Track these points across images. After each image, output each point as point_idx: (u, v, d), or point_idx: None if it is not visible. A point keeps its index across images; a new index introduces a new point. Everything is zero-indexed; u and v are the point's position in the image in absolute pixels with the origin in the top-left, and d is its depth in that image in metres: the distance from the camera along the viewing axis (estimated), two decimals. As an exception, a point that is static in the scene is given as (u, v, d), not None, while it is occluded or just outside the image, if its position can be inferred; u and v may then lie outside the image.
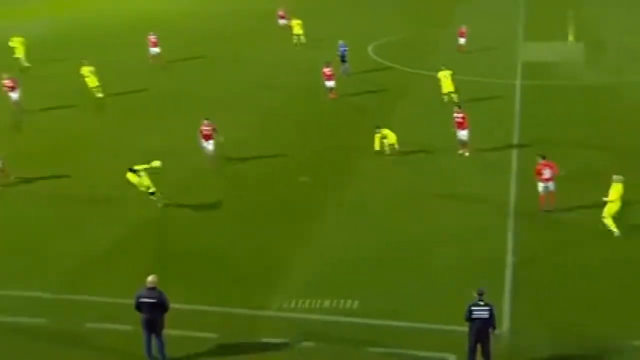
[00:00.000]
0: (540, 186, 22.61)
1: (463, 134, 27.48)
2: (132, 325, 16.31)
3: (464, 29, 47.02)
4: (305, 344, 16.34)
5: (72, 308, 18.04)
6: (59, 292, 18.74)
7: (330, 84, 36.05)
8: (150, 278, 15.67)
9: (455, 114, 27.63)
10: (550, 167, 22.44)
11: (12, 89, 35.25)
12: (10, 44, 45.35)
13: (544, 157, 22.69)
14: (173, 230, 22.45)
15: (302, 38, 50.61)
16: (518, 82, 38.97)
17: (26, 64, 44.70)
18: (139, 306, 15.65)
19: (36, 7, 71.22)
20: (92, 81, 36.94)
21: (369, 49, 48.57)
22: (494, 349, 15.20)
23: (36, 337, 16.83)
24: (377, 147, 27.68)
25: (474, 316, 14.97)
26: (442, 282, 18.74)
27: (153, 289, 15.56)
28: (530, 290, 18.42)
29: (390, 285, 18.78)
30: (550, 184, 22.50)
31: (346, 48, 41.44)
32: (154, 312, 15.56)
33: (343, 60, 41.08)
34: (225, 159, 27.84)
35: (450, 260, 19.95)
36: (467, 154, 27.51)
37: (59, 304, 18.23)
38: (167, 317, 15.81)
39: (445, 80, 34.35)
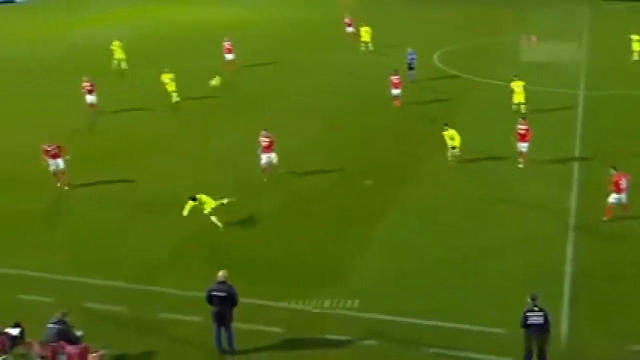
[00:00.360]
0: (613, 197, 22.49)
1: (524, 145, 27.54)
2: (202, 317, 17.30)
3: (533, 38, 46.83)
4: (366, 342, 17.00)
5: (148, 298, 19.18)
6: (137, 282, 19.95)
7: (396, 92, 36.48)
8: (220, 273, 16.59)
9: (519, 126, 27.72)
10: (627, 178, 22.38)
11: (90, 91, 36.47)
12: (111, 47, 46.96)
13: (615, 168, 22.69)
14: (240, 231, 23.23)
15: (370, 45, 51.28)
16: (582, 92, 38.85)
17: (124, 67, 46.13)
18: (210, 299, 16.50)
19: (116, 15, 73.82)
20: (170, 87, 38.04)
21: (435, 56, 48.97)
22: (549, 354, 15.60)
23: (118, 323, 18.00)
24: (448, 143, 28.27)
25: (529, 322, 15.31)
26: (500, 287, 19.20)
27: (223, 282, 16.46)
28: (589, 298, 18.72)
29: (450, 287, 19.35)
30: (623, 195, 22.43)
31: (414, 56, 41.97)
32: (223, 305, 16.37)
33: (410, 67, 41.58)
34: (290, 161, 28.42)
35: (509, 265, 20.38)
36: (521, 165, 27.62)
37: (136, 294, 19.41)
38: (236, 311, 16.65)
39: (517, 90, 34.58)
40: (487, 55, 49.39)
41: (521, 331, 15.54)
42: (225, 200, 23.40)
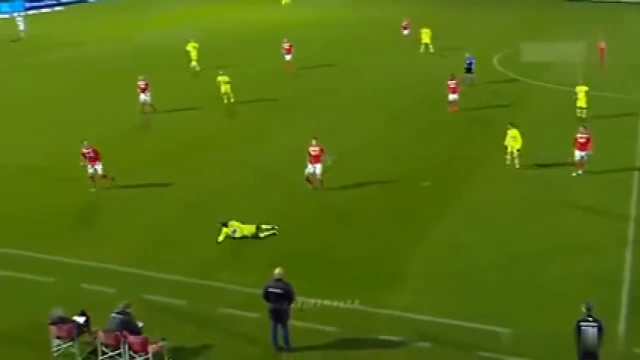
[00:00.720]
0: None
1: (583, 154, 26.95)
2: (260, 314, 17.61)
3: (602, 45, 46.08)
4: (419, 344, 17.09)
5: (206, 293, 19.63)
6: (195, 277, 20.44)
7: (453, 97, 36.20)
8: (277, 270, 16.85)
9: (579, 134, 27.12)
10: None
11: (143, 90, 36.94)
12: (187, 48, 47.48)
13: None
14: (295, 229, 23.48)
15: (430, 47, 51.17)
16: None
17: (197, 68, 46.57)
18: (267, 296, 16.78)
19: (180, 15, 75.25)
20: (225, 88, 38.33)
21: (494, 59, 48.58)
22: None
23: (176, 316, 18.48)
24: (505, 142, 28.07)
25: (582, 331, 14.93)
26: (555, 293, 19.08)
27: (280, 280, 16.73)
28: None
29: (504, 292, 19.30)
30: None
31: (473, 60, 41.69)
32: (280, 302, 16.60)
33: (469, 71, 41.30)
34: (348, 162, 28.65)
35: (565, 272, 20.21)
36: (580, 172, 27.13)
37: (195, 288, 19.89)
38: (292, 309, 16.93)
39: (581, 95, 34.09)
40: (548, 59, 48.68)
41: (574, 339, 15.27)
42: (265, 228, 22.83)
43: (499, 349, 16.86)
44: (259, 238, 22.63)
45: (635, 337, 17.22)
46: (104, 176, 27.01)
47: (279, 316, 16.78)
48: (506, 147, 28.27)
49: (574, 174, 27.18)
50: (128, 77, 40.23)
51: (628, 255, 21.25)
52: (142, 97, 37.09)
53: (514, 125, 28.25)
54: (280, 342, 17.02)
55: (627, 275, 20.04)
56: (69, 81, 46.01)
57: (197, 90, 41.66)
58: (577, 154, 27.12)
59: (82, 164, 26.81)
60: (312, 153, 25.90)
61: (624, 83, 41.53)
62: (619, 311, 18.30)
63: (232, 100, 38.40)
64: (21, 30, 63.30)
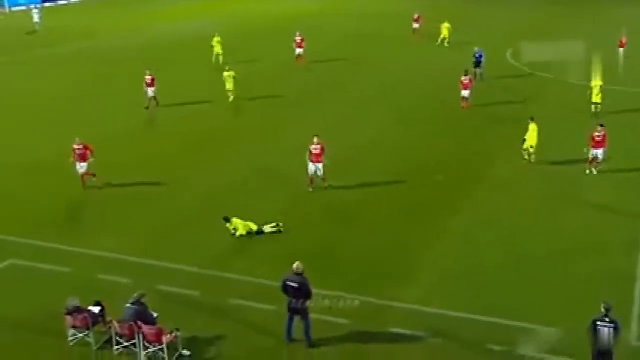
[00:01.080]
0: None
1: (599, 152, 26.78)
2: (273, 306, 17.81)
3: (624, 39, 45.90)
4: (431, 337, 17.17)
5: (220, 284, 19.82)
6: (209, 268, 20.65)
7: (465, 93, 36.05)
8: (296, 264, 16.81)
9: (596, 133, 26.84)
10: None
11: (150, 85, 36.95)
12: (212, 43, 47.24)
13: None
14: (307, 224, 23.66)
15: (446, 41, 51.26)
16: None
17: (221, 63, 45.77)
18: (285, 288, 16.82)
19: (190, 8, 75.44)
20: (229, 84, 37.96)
21: (508, 54, 48.46)
22: None
23: (190, 306, 18.68)
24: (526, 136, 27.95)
25: (598, 330, 14.94)
26: (569, 289, 19.17)
27: (299, 275, 16.75)
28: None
29: (516, 287, 19.38)
30: None
31: (482, 55, 41.57)
32: (297, 297, 16.68)
33: (478, 65, 41.16)
34: (358, 157, 28.76)
35: (577, 268, 20.26)
36: (595, 171, 26.98)
37: (209, 280, 20.09)
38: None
39: (596, 90, 34.02)
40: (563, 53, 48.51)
41: (589, 337, 15.27)
42: (269, 227, 22.80)
43: (511, 342, 16.91)
44: (263, 233, 22.66)
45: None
46: (88, 173, 26.57)
47: (296, 310, 16.85)
48: (524, 142, 28.20)
49: (587, 172, 27.10)
50: (138, 70, 40.18)
51: (640, 253, 21.29)
52: (150, 91, 37.08)
53: (534, 120, 28.11)
54: (295, 335, 17.08)
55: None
56: (81, 75, 46.26)
57: (209, 84, 41.60)
58: (593, 151, 26.92)
59: (72, 159, 26.40)
60: (314, 151, 25.28)
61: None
62: (632, 309, 18.28)
63: (232, 98, 37.86)
64: (36, 23, 63.78)
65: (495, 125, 33.51)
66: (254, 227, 22.66)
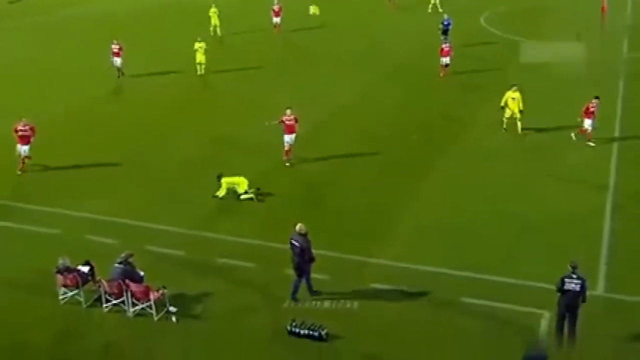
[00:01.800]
0: None
1: (591, 122, 26.76)
2: (257, 264, 18.52)
3: (605, 4, 46.34)
4: (410, 293, 17.84)
5: (205, 244, 20.44)
6: (195, 229, 21.24)
7: (445, 60, 36.26)
8: (298, 225, 17.39)
9: (591, 104, 26.83)
10: None
11: (117, 54, 36.99)
12: (209, 14, 46.81)
13: None
14: (290, 184, 24.39)
15: (439, 6, 51.20)
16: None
17: (219, 34, 46.00)
18: (292, 246, 17.36)
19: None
20: (200, 58, 37.55)
21: (482, 18, 48.87)
22: (580, 319, 15.87)
23: (176, 265, 19.30)
24: (502, 103, 27.94)
25: (565, 287, 15.54)
26: (541, 248, 19.93)
27: (300, 235, 17.28)
28: (627, 258, 19.42)
29: (489, 245, 20.17)
30: None
31: (450, 22, 41.55)
32: (299, 255, 17.26)
33: (445, 33, 40.95)
34: (343, 117, 29.17)
35: (550, 231, 20.88)
36: (592, 144, 26.99)
37: (194, 240, 20.70)
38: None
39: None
40: (542, 19, 48.90)
41: (556, 297, 15.85)
42: (247, 194, 23.12)
43: (485, 295, 17.65)
44: (239, 198, 23.16)
45: (613, 281, 18.19)
46: (28, 157, 25.43)
47: (298, 269, 17.43)
48: (503, 109, 28.27)
49: (589, 143, 26.99)
50: (124, 38, 40.01)
51: (608, 206, 22.29)
52: (117, 61, 37.10)
53: (517, 87, 27.99)
54: (300, 296, 17.62)
55: (607, 224, 21.12)
56: (64, 43, 46.18)
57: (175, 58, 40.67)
58: (587, 122, 26.78)
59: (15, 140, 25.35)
60: (287, 123, 25.51)
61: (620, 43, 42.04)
62: (599, 261, 19.25)
63: (201, 72, 37.74)
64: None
65: (469, 91, 34.03)
66: (240, 189, 23.08)
